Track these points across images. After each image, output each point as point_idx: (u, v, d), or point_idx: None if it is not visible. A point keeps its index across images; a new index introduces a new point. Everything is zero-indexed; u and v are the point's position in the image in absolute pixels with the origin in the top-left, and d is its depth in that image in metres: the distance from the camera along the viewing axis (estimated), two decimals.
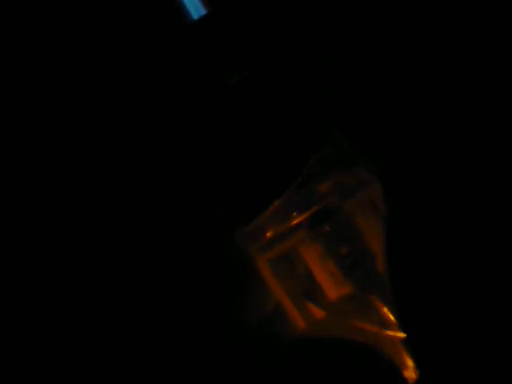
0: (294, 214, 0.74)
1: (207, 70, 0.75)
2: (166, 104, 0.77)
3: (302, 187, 0.74)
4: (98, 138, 0.78)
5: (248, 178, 0.75)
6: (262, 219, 0.75)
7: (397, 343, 0.74)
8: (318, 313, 0.75)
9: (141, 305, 0.77)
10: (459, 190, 0.77)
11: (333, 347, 0.75)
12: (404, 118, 0.78)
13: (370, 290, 0.74)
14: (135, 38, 0.77)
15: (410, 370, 0.74)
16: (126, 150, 0.77)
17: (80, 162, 0.78)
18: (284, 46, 0.76)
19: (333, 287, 0.74)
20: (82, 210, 0.77)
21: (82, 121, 0.78)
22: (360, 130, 0.76)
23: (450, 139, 0.78)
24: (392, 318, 0.74)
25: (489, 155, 0.77)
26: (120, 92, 0.78)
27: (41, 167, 0.78)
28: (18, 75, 0.78)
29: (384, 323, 0.74)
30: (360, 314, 0.75)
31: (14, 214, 0.78)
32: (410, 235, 0.76)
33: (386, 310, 0.74)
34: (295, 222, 0.74)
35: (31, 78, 0.78)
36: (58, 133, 0.78)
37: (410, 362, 0.73)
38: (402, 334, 0.73)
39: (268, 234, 0.75)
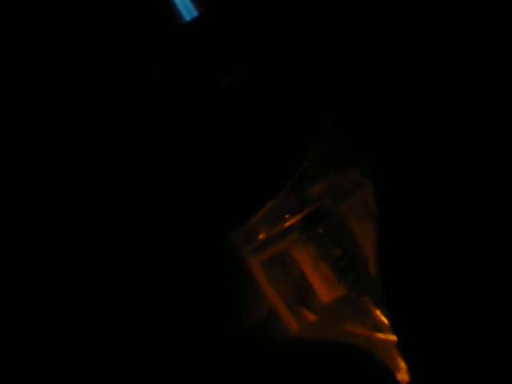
0: (287, 216, 0.74)
1: (200, 72, 0.75)
2: (158, 105, 0.76)
3: (295, 189, 0.74)
4: (95, 139, 0.77)
5: (240, 180, 0.75)
6: (255, 221, 0.74)
7: (389, 346, 0.74)
8: (311, 315, 0.75)
9: (140, 305, 0.77)
10: (452, 193, 0.77)
11: (326, 350, 0.75)
12: (399, 120, 0.78)
13: (363, 293, 0.74)
14: (127, 39, 0.77)
15: (403, 373, 0.74)
16: (122, 150, 0.77)
17: (79, 162, 0.77)
18: (278, 46, 0.76)
19: (325, 289, 0.75)
20: (82, 209, 0.77)
21: (78, 122, 0.77)
22: (354, 132, 0.76)
23: (445, 142, 0.78)
24: (384, 320, 0.74)
25: (485, 161, 0.77)
26: (114, 93, 0.77)
27: (41, 167, 0.77)
28: (15, 74, 0.78)
29: (376, 326, 0.74)
30: (353, 316, 0.75)
31: (13, 214, 0.77)
32: (402, 238, 0.76)
33: (378, 312, 0.74)
34: (288, 224, 0.74)
35: (29, 77, 0.78)
36: (55, 133, 0.78)
37: (402, 365, 0.74)
38: (394, 337, 0.73)
39: (261, 236, 0.75)
